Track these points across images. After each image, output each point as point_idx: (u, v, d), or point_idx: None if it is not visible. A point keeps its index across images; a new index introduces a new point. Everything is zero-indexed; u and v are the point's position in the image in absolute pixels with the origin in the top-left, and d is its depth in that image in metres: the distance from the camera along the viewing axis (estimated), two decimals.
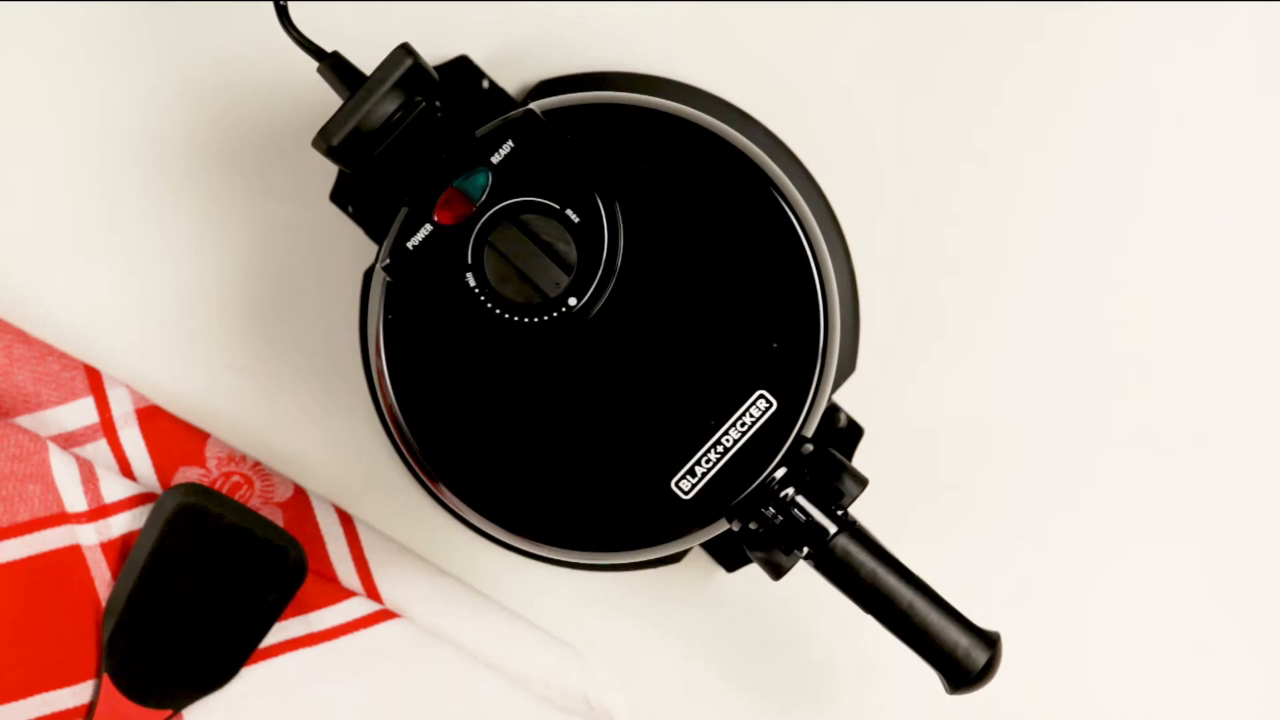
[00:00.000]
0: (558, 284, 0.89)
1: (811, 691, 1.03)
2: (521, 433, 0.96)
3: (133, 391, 1.00)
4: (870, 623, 0.99)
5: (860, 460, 0.97)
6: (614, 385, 0.96)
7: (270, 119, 1.01)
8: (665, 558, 0.98)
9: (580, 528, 0.96)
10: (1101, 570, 1.03)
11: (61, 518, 0.98)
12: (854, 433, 0.97)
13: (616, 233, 0.90)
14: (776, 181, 0.95)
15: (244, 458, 1.01)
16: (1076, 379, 1.02)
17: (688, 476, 0.93)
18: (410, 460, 0.97)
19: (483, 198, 0.91)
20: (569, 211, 0.90)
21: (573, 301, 0.89)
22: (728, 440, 0.93)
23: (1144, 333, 1.02)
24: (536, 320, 0.90)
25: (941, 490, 1.02)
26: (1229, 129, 1.02)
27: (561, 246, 0.89)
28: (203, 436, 1.01)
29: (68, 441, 1.00)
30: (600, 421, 0.96)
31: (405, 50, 0.90)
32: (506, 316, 0.89)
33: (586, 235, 0.90)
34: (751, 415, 0.91)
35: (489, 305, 0.91)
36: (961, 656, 0.91)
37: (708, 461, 0.93)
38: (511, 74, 1.00)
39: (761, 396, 0.91)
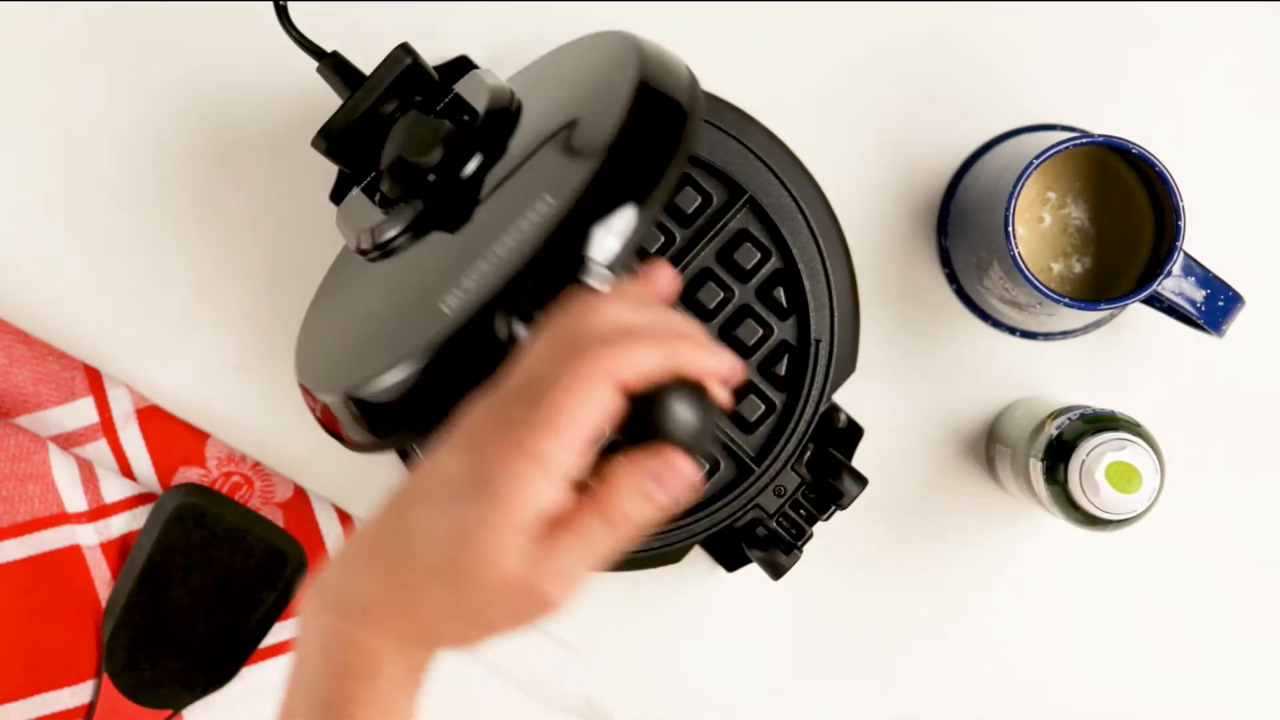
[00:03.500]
0: None
1: (811, 691, 1.03)
2: None
3: (133, 391, 1.00)
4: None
5: (860, 460, 0.97)
6: None
7: (270, 119, 1.01)
8: (665, 557, 0.98)
9: None
10: (1101, 569, 1.03)
11: (61, 518, 0.98)
12: (854, 433, 0.97)
13: None
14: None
15: (244, 458, 1.01)
16: (1078, 381, 1.02)
17: None
18: (410, 460, 0.97)
19: None
20: None
21: None
22: None
23: (1144, 334, 1.02)
24: None
25: (941, 490, 1.02)
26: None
27: None
28: (203, 436, 1.01)
29: (68, 441, 1.00)
30: None
31: (405, 50, 0.90)
32: None
33: None
34: None
35: None
36: None
37: None
38: (512, 74, 1.00)
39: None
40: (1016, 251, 0.91)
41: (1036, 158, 0.91)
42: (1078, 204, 0.96)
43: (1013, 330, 1.02)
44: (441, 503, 0.68)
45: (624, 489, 0.69)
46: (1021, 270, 0.91)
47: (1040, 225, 0.96)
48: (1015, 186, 0.91)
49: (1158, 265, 0.92)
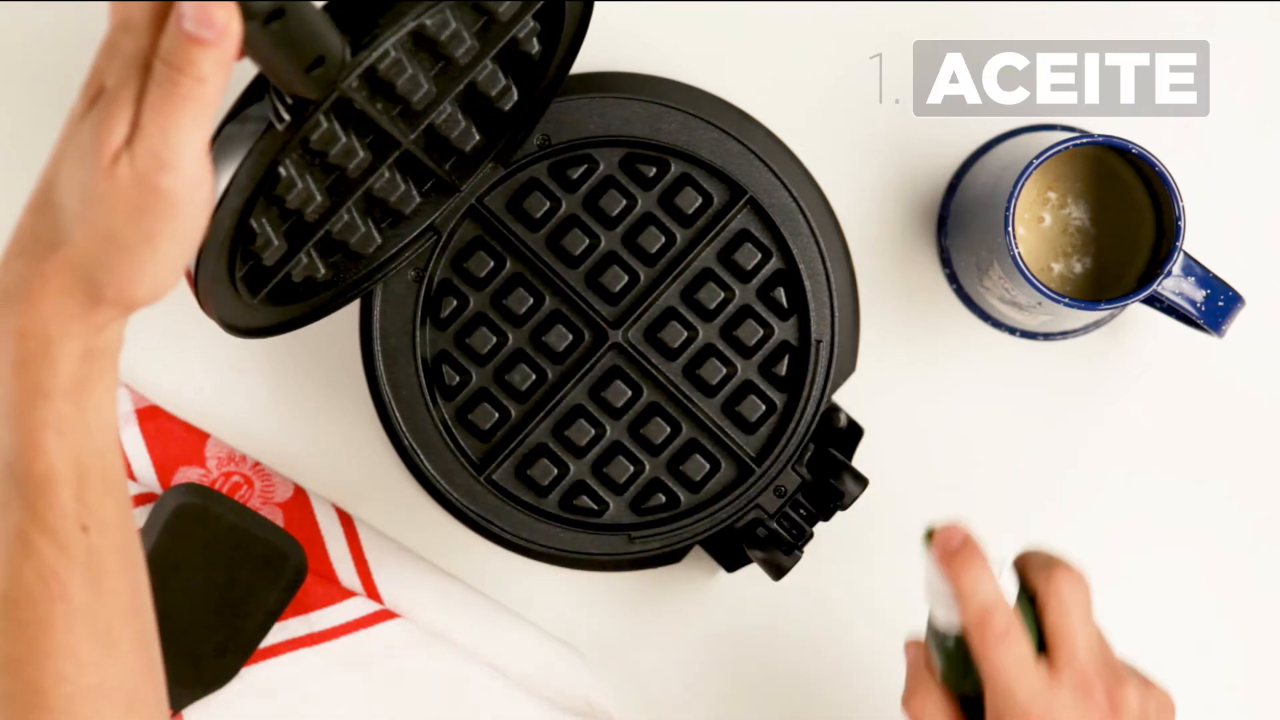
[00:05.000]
0: None
1: (811, 691, 1.03)
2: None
3: (133, 391, 1.00)
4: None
5: (860, 460, 0.97)
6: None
7: None
8: (665, 557, 0.98)
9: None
10: (1102, 570, 1.03)
11: None
12: (854, 433, 0.97)
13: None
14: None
15: (244, 458, 1.01)
16: (1078, 381, 1.03)
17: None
18: (410, 460, 0.97)
19: None
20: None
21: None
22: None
23: (1144, 334, 1.02)
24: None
25: (941, 490, 1.02)
26: None
27: None
28: (203, 436, 1.01)
29: None
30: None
31: None
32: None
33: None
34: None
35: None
36: None
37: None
38: None
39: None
40: (1016, 251, 0.91)
41: (1036, 157, 0.91)
42: (1078, 204, 0.96)
43: (1012, 330, 1.02)
44: (63, 164, 0.71)
45: (165, 37, 0.69)
46: (1021, 270, 0.91)
47: (1040, 225, 0.96)
48: (1015, 186, 0.91)
49: (1158, 265, 0.93)
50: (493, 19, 0.84)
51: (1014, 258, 0.91)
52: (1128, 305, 0.93)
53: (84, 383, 0.71)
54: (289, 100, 0.76)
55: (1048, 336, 1.02)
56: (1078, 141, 0.92)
